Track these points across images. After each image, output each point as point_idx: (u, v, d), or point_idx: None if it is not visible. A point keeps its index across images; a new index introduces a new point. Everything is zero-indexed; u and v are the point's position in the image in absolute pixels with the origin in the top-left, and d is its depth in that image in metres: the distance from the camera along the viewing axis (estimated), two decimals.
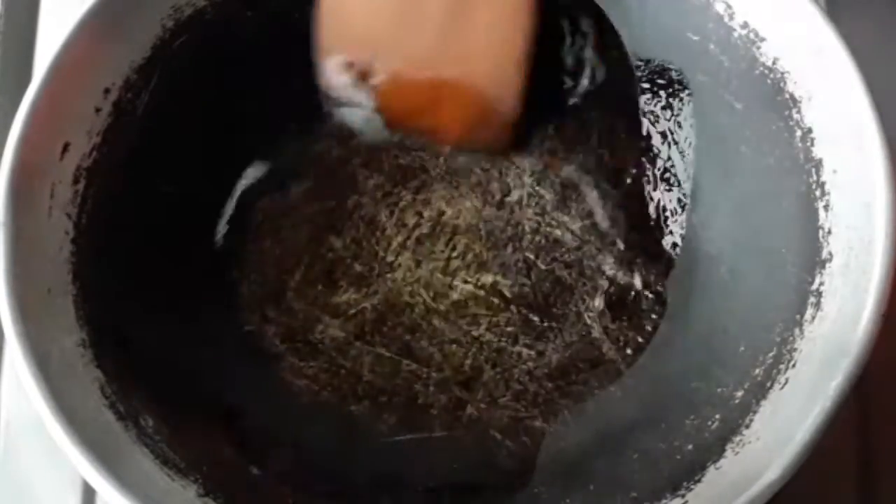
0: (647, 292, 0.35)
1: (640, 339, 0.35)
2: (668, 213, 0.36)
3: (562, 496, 0.30)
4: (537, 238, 0.37)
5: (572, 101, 0.38)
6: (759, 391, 0.28)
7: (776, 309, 0.29)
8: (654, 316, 0.35)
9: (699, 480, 0.27)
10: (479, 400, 0.34)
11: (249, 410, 0.33)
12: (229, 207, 0.37)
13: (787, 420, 0.27)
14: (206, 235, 0.37)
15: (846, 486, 0.35)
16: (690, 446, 0.29)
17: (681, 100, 0.35)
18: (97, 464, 0.26)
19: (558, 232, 0.36)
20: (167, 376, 0.31)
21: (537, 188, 0.37)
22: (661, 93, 0.35)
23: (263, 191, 0.38)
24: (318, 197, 0.38)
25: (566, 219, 0.37)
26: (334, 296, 0.36)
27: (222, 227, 0.37)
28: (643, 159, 0.36)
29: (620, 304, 0.35)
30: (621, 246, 0.36)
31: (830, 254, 0.28)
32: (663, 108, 0.35)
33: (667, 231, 0.36)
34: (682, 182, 0.35)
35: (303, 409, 0.34)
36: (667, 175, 0.36)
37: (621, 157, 0.37)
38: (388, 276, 0.36)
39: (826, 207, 0.29)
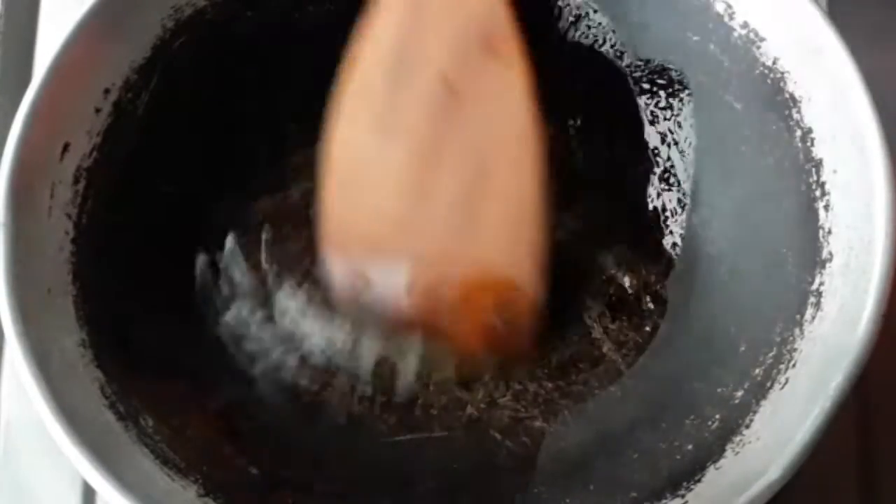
0: (647, 293, 0.35)
1: (640, 340, 0.34)
2: (668, 213, 0.36)
3: (562, 496, 0.30)
4: None
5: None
6: (759, 391, 0.28)
7: (776, 309, 0.29)
8: (654, 316, 0.35)
9: (699, 480, 0.27)
10: (479, 400, 0.34)
11: (249, 410, 0.33)
12: (229, 207, 0.37)
13: (787, 420, 0.27)
14: (205, 235, 0.36)
15: (846, 486, 0.35)
16: (690, 446, 0.29)
17: (681, 100, 0.35)
18: (97, 464, 0.26)
19: (558, 232, 0.36)
20: (167, 376, 0.31)
21: None
22: (661, 93, 0.35)
23: (263, 191, 0.38)
24: (318, 197, 0.38)
25: (566, 218, 0.37)
26: None
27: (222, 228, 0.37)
28: (643, 159, 0.36)
29: (620, 304, 0.35)
30: (621, 246, 0.36)
31: (830, 254, 0.28)
32: (663, 108, 0.35)
33: (667, 231, 0.36)
34: (682, 182, 0.35)
35: (303, 409, 0.34)
36: (667, 175, 0.36)
37: (621, 157, 0.37)
38: None
39: (826, 207, 0.29)
